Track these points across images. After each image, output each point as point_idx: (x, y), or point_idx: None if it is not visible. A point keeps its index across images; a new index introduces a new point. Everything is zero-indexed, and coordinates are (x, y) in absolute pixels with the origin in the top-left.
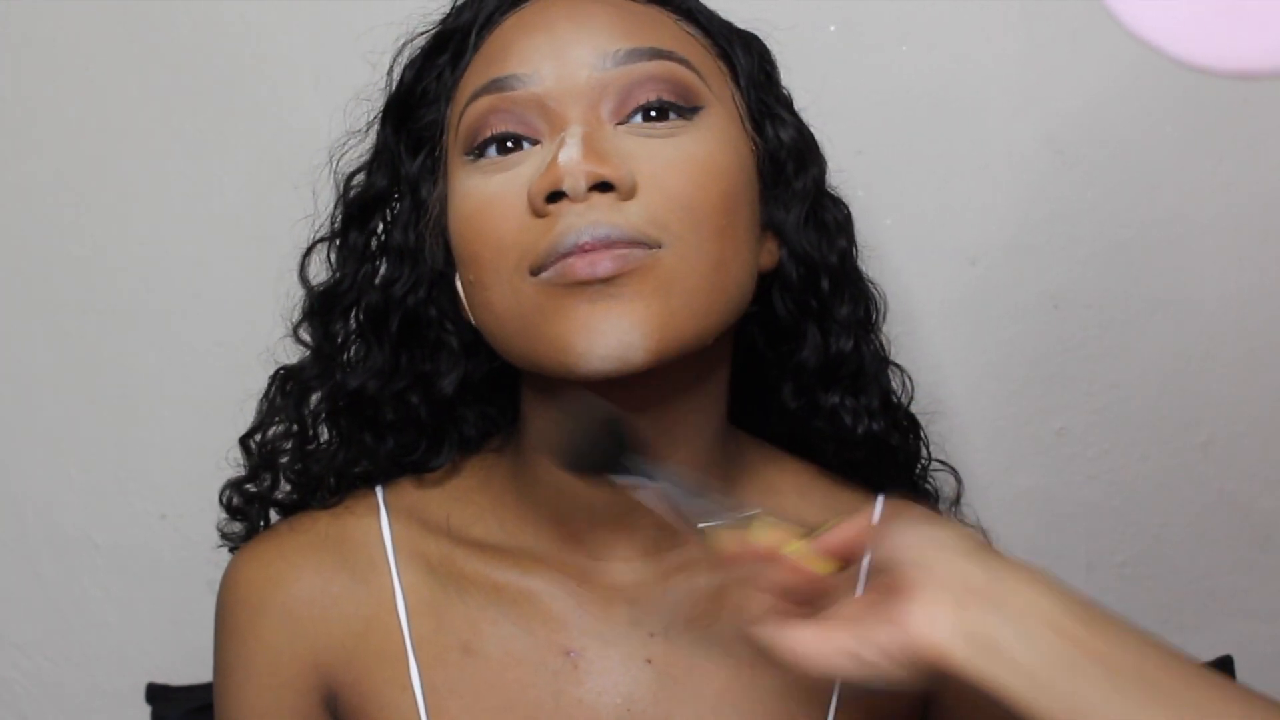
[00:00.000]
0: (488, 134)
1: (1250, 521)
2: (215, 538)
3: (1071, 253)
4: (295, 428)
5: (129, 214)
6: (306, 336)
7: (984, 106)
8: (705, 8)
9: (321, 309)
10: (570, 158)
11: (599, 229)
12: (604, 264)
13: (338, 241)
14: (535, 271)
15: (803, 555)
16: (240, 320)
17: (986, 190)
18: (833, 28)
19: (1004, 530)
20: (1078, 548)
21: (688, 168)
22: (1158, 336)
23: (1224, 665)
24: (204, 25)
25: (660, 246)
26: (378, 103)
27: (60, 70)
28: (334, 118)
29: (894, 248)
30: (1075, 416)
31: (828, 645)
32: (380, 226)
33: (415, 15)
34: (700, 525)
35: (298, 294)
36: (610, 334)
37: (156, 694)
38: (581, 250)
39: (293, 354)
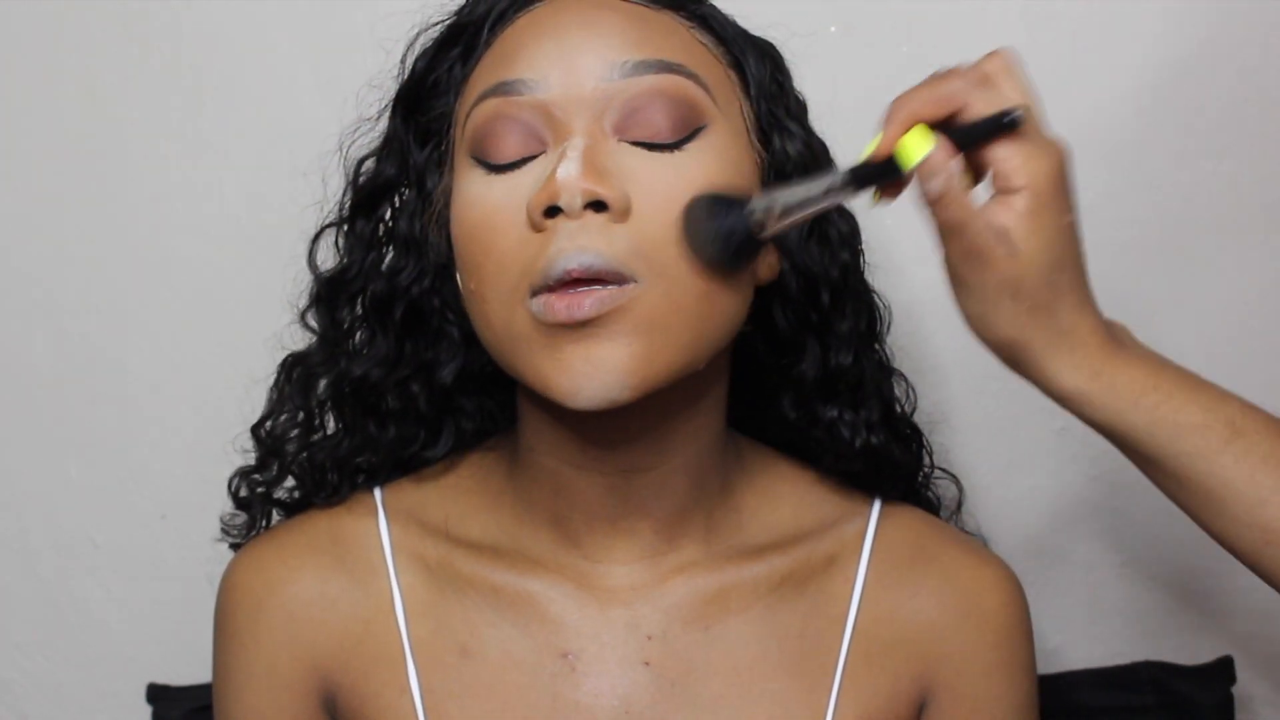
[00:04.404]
0: (493, 140)
1: None
2: (216, 538)
3: None
4: (301, 415)
5: (129, 215)
6: (313, 322)
7: None
8: (720, 14)
9: (328, 295)
10: (568, 174)
11: (585, 256)
12: (583, 308)
13: (345, 227)
14: (535, 293)
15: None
16: (241, 321)
17: (987, 190)
18: (833, 28)
19: (1004, 530)
20: (1078, 548)
21: (684, 195)
22: (1158, 336)
23: (1224, 665)
24: (213, 5)
25: (638, 282)
26: (390, 90)
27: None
28: (346, 103)
29: (895, 249)
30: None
31: None
32: (388, 214)
33: (432, 4)
34: (842, 178)
35: (300, 288)
36: (594, 376)
37: (157, 694)
38: (563, 287)
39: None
